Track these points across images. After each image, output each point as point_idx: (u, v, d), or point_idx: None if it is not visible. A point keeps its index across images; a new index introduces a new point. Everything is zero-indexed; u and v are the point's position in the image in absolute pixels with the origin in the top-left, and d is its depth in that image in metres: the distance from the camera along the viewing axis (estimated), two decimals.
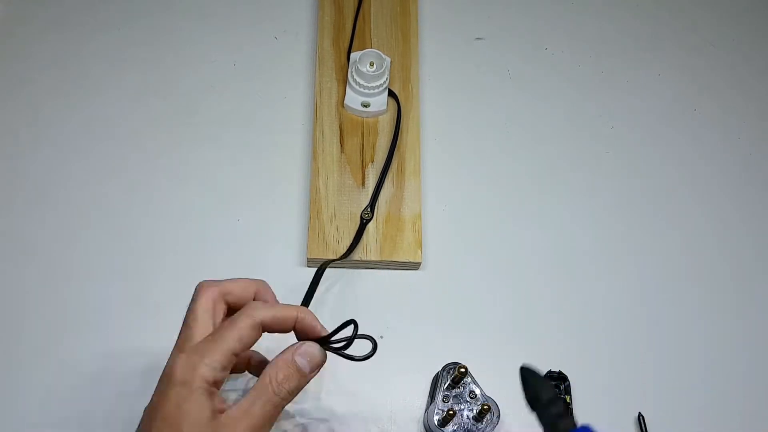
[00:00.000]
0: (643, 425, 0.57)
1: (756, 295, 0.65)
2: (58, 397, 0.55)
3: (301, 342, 0.45)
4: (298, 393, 0.44)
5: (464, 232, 0.65)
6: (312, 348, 0.45)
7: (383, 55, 0.66)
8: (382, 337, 0.59)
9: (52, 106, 0.67)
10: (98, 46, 0.70)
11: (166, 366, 0.43)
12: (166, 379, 0.42)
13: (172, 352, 0.44)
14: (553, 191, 0.68)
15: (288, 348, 0.45)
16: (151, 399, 0.42)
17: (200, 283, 0.46)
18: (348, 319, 0.45)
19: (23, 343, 0.57)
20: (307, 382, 0.45)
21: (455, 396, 0.54)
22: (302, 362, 0.44)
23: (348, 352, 0.45)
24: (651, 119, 0.72)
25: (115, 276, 0.60)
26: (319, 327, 0.46)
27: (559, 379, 0.58)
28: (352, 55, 0.67)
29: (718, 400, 0.60)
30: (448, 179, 0.67)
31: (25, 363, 0.56)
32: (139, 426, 0.43)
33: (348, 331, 0.45)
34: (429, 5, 0.76)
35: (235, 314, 0.44)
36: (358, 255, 0.61)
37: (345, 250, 0.60)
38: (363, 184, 0.64)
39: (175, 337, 0.57)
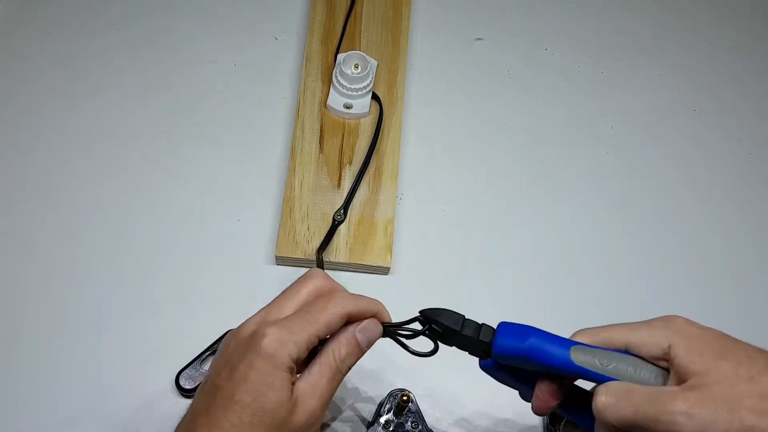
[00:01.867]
0: None
1: (756, 295, 0.65)
2: (59, 397, 0.55)
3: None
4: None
5: (460, 232, 0.65)
6: (372, 324, 0.45)
7: (368, 58, 0.66)
8: None
9: (52, 106, 0.67)
10: (98, 46, 0.70)
11: (247, 330, 0.43)
12: (252, 346, 0.42)
13: (257, 320, 0.44)
14: (553, 191, 0.68)
15: (350, 324, 0.45)
16: (226, 358, 0.43)
17: (315, 270, 0.47)
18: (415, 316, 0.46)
19: (23, 343, 0.57)
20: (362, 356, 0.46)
21: (397, 424, 0.52)
22: (362, 338, 0.45)
23: (408, 343, 0.47)
24: (651, 119, 0.72)
25: (115, 276, 0.60)
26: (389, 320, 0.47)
27: None
28: (338, 57, 0.67)
29: None
30: (447, 179, 0.67)
31: (25, 363, 0.56)
32: (206, 381, 0.43)
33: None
34: (429, 5, 0.75)
35: (326, 300, 0.44)
36: (326, 256, 0.60)
37: (314, 250, 0.60)
38: (339, 185, 0.63)
39: (174, 337, 0.58)
